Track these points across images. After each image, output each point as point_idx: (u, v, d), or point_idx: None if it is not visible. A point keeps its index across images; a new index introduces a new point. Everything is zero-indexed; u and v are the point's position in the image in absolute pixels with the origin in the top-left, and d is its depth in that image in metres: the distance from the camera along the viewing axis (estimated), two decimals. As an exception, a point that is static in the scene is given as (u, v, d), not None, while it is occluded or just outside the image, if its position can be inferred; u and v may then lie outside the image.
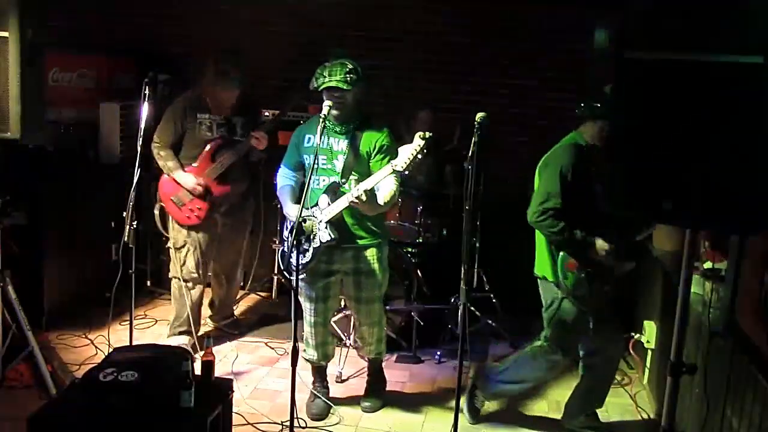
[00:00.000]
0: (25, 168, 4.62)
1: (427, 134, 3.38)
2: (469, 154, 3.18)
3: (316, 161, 3.63)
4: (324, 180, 3.76)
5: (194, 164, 4.52)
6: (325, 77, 3.61)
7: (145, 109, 3.83)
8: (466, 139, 3.27)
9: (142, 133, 3.82)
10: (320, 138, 3.53)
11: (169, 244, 4.76)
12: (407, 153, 3.39)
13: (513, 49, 5.76)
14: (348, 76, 3.60)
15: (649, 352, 4.38)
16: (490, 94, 5.68)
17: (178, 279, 4.62)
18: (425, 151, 3.39)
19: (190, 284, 4.63)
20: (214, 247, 4.70)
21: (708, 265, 3.48)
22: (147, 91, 3.80)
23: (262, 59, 5.82)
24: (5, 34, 3.26)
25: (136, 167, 3.76)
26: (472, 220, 3.41)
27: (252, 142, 4.50)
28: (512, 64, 5.76)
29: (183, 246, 4.60)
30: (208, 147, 4.51)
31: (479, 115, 3.22)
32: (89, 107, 5.43)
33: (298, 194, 3.93)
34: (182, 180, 4.49)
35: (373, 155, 3.74)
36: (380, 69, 5.69)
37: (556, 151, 3.65)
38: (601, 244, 3.54)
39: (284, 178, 3.98)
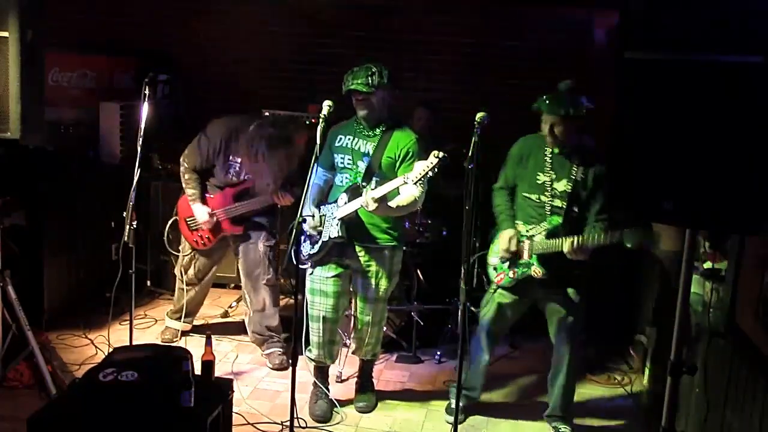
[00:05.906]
0: (25, 168, 4.61)
1: (441, 154, 3.40)
2: (469, 153, 3.18)
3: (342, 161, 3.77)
4: (347, 178, 3.82)
5: (217, 194, 4.47)
6: (348, 81, 3.70)
7: (145, 109, 3.83)
8: (466, 139, 3.27)
9: (142, 133, 3.82)
10: (320, 138, 3.52)
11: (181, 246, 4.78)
12: (420, 168, 3.44)
13: (514, 49, 5.75)
14: (369, 78, 3.67)
15: (649, 352, 4.38)
16: (491, 94, 5.67)
17: (180, 278, 4.74)
18: (437, 169, 3.42)
19: (189, 287, 4.74)
20: (217, 261, 4.74)
21: (708, 265, 3.48)
22: (147, 91, 3.80)
23: (263, 59, 5.82)
24: (5, 34, 3.25)
25: (136, 167, 3.76)
26: (472, 220, 3.40)
27: (273, 199, 4.33)
28: (513, 64, 5.75)
29: (187, 255, 4.69)
30: (236, 187, 4.43)
31: (479, 115, 3.22)
32: (89, 107, 5.43)
33: (325, 194, 3.95)
34: (196, 212, 4.46)
35: (398, 161, 3.77)
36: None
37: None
38: (501, 236, 3.72)
39: (316, 176, 3.95)
